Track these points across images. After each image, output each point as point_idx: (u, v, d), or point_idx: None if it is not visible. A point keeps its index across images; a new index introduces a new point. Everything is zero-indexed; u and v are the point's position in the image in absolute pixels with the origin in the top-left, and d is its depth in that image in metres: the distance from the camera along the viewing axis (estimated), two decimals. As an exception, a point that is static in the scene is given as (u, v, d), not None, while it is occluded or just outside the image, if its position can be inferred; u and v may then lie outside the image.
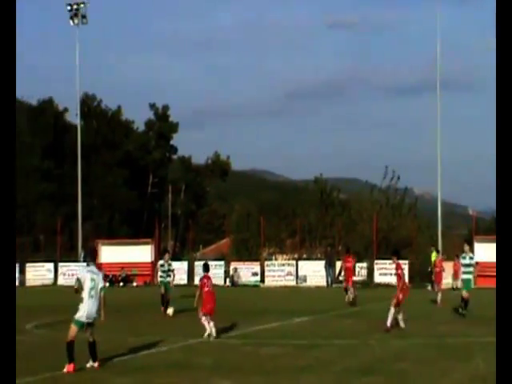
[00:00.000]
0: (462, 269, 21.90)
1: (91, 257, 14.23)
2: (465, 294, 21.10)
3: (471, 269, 21.65)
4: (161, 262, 24.63)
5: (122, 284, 44.56)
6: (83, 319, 11.90)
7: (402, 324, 17.31)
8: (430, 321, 18.44)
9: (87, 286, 12.05)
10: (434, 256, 38.69)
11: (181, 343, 15.20)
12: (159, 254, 37.96)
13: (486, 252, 41.30)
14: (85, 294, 11.99)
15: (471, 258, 21.89)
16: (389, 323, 16.97)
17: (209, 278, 16.88)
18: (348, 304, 25.56)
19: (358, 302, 25.58)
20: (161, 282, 23.83)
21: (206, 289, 16.51)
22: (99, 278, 12.42)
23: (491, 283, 36.19)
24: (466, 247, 22.34)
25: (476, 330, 17.75)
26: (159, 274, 24.04)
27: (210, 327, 15.94)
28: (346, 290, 26.68)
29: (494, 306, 19.07)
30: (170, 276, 23.70)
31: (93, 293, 12.00)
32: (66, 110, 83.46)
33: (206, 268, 17.72)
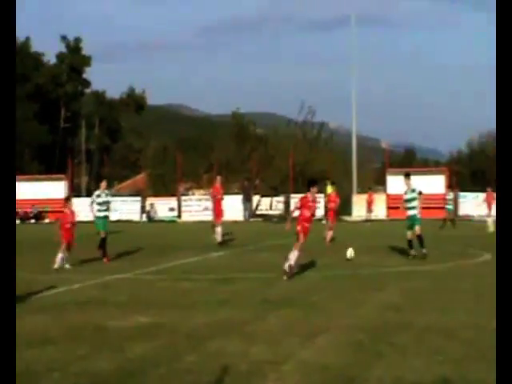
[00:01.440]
0: (406, 204, 19.23)
1: None
2: (417, 230, 18.78)
3: (416, 203, 19.04)
4: (97, 192, 20.10)
5: (33, 221, 43.55)
6: None
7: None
8: (343, 253, 18.78)
9: None
10: (329, 189, 39.66)
11: (93, 281, 14.96)
12: (73, 190, 35.50)
13: (398, 184, 42.48)
14: None
15: (413, 191, 19.17)
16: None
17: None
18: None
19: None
20: (97, 218, 19.47)
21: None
22: None
23: (402, 215, 37.26)
24: (406, 181, 19.44)
25: (389, 260, 18.25)
26: (95, 207, 19.44)
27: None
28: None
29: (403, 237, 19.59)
30: (108, 209, 19.81)
31: None
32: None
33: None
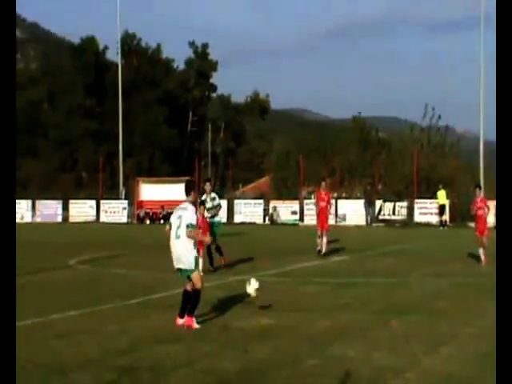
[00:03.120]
0: None
1: (185, 190, 10.58)
2: None
3: None
4: (203, 197, 17.74)
5: (162, 222, 45.05)
6: (174, 265, 10.30)
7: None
8: (468, 260, 18.30)
9: (173, 224, 10.23)
10: (441, 195, 38.89)
11: (217, 281, 15.33)
12: (199, 192, 34.08)
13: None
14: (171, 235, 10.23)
15: None
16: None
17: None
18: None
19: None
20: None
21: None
22: (187, 213, 10.16)
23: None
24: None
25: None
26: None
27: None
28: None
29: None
30: (216, 215, 17.66)
31: (180, 232, 10.10)
32: (106, 48, 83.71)
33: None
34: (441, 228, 38.22)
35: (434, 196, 41.81)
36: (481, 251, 18.47)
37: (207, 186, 17.91)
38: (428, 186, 45.16)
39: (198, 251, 10.56)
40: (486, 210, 18.95)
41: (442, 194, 39.81)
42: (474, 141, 54.85)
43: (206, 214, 16.88)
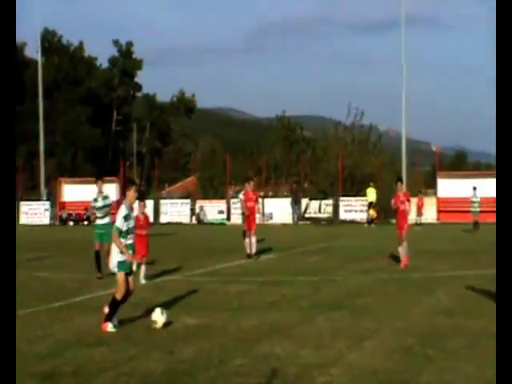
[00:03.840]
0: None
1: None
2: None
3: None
4: (95, 195, 16.41)
5: (86, 223, 44.28)
6: None
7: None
8: (392, 257, 18.65)
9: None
10: (370, 193, 39.64)
11: (144, 282, 15.14)
12: (124, 192, 31.83)
13: (448, 188, 41.81)
14: None
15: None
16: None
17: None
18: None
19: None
20: (95, 227, 16.28)
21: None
22: (117, 215, 10.18)
23: (454, 218, 36.59)
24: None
25: (440, 264, 18.01)
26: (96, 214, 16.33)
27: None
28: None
29: (456, 241, 19.24)
30: (106, 215, 16.15)
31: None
32: (24, 44, 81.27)
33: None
34: (366, 225, 38.78)
35: (360, 194, 42.52)
36: (400, 250, 17.38)
37: (99, 184, 16.37)
38: (352, 183, 45.91)
39: (131, 256, 10.23)
40: (408, 204, 18.01)
41: (371, 192, 40.42)
42: (396, 140, 56.10)
43: (98, 215, 16.18)
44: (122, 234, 10.04)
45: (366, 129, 51.48)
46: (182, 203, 47.32)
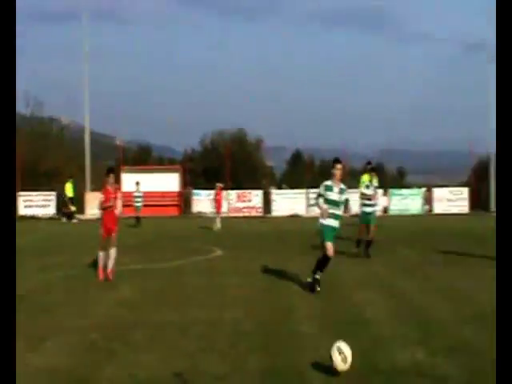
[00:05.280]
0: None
1: None
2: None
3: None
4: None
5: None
6: None
7: None
8: (75, 252, 18.30)
9: None
10: (68, 188, 38.98)
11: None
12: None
13: (131, 182, 42.53)
14: None
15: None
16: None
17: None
18: None
19: None
20: None
21: None
22: None
23: (132, 212, 37.04)
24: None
25: (122, 258, 18.06)
26: None
27: None
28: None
29: (137, 236, 19.42)
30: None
31: None
32: None
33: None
34: (65, 220, 37.52)
35: (42, 188, 41.17)
36: (100, 259, 14.39)
37: None
38: (34, 177, 44.27)
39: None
40: (118, 202, 14.38)
41: (69, 187, 38.95)
42: (79, 132, 55.35)
43: None
44: None
45: (47, 120, 50.06)
46: None
